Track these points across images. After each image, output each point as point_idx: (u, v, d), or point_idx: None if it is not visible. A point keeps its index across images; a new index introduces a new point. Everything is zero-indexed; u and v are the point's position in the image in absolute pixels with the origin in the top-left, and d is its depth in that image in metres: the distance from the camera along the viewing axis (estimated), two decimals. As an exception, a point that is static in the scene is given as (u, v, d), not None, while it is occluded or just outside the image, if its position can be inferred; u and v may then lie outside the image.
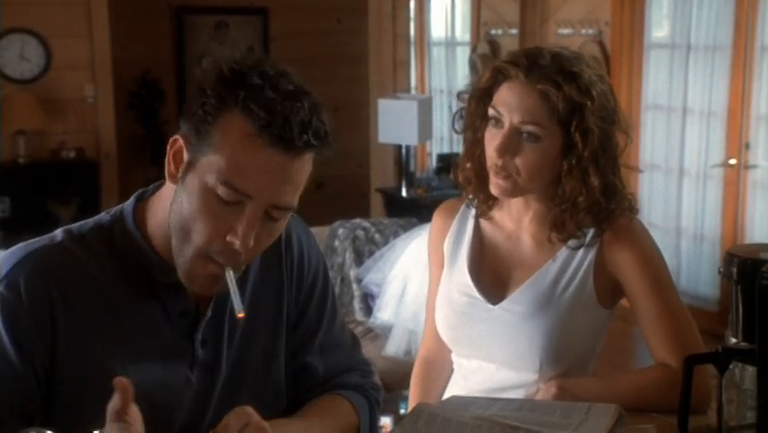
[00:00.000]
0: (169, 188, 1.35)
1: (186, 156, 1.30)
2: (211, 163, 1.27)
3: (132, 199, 1.41)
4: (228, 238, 1.27)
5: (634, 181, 5.23)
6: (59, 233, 1.38)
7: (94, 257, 1.34)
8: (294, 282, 1.50)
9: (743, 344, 1.39)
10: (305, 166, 1.30)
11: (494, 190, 1.81)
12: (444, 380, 2.00)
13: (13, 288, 1.28)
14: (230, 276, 1.28)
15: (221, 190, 1.26)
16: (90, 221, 1.40)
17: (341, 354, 1.57)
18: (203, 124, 1.27)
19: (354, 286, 4.24)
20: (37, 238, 1.37)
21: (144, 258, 1.36)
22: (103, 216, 1.41)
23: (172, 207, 1.32)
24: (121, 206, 1.42)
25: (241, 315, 1.29)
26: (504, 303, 1.85)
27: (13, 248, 1.35)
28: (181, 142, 1.31)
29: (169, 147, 1.33)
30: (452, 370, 1.99)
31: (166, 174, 1.34)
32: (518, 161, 1.76)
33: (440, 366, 2.01)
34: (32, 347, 1.27)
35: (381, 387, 1.65)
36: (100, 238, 1.36)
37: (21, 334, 1.27)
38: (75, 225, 1.40)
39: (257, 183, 1.26)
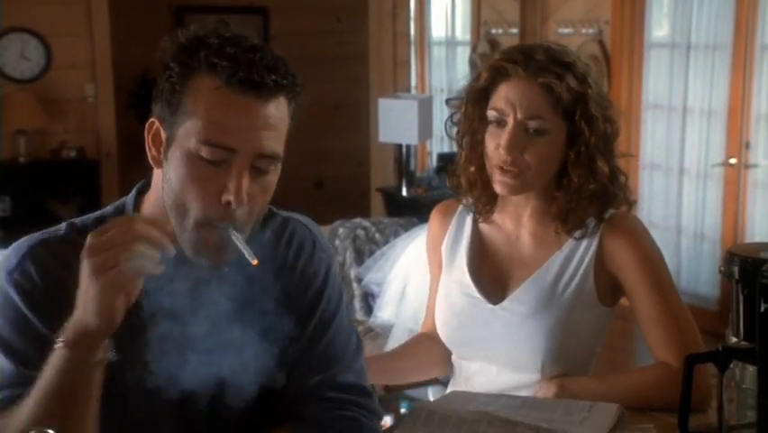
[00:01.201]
0: (157, 174, 1.37)
1: (163, 135, 1.32)
2: (188, 130, 1.28)
3: (133, 192, 1.43)
4: (222, 198, 1.28)
5: (634, 180, 5.23)
6: (63, 226, 1.41)
7: None
8: (287, 290, 1.43)
9: (743, 343, 1.39)
10: (280, 109, 1.31)
11: (499, 189, 1.81)
12: (425, 358, 1.99)
13: (26, 275, 1.34)
14: (234, 235, 1.28)
15: (204, 151, 1.27)
16: (93, 214, 1.43)
17: (312, 382, 1.44)
18: (172, 95, 1.29)
19: (355, 285, 4.24)
20: (41, 231, 1.40)
21: None
22: (106, 209, 1.44)
23: (164, 188, 1.33)
24: (124, 198, 1.44)
25: (255, 262, 1.27)
26: (504, 303, 1.85)
27: (19, 241, 1.39)
28: (157, 123, 1.33)
29: (146, 133, 1.35)
30: (452, 373, 1.99)
31: (150, 160, 1.36)
32: (527, 156, 1.77)
33: (429, 344, 1.99)
34: (57, 320, 1.28)
35: (371, 413, 1.49)
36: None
37: (44, 310, 1.31)
38: (78, 219, 1.43)
39: (236, 134, 1.27)
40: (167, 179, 1.32)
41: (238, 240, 1.28)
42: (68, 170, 6.37)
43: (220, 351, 1.37)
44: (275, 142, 1.31)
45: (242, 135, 1.28)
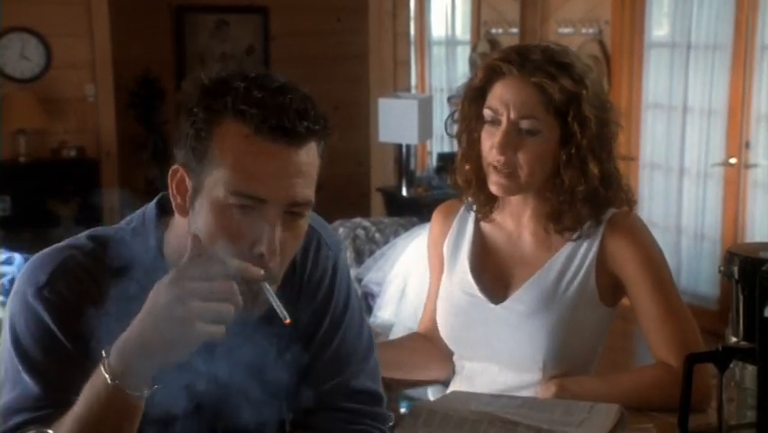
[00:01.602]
0: (181, 221, 1.32)
1: (189, 183, 1.27)
2: (216, 179, 1.23)
3: (153, 210, 1.38)
4: (254, 251, 1.23)
5: (634, 179, 5.23)
6: (83, 239, 1.36)
7: (114, 271, 1.32)
8: (295, 298, 1.42)
9: (743, 343, 1.39)
10: (311, 155, 1.27)
11: (494, 189, 1.81)
12: (419, 355, 1.99)
13: (57, 292, 1.29)
14: (266, 287, 1.22)
15: (233, 201, 1.22)
16: (115, 232, 1.37)
17: (324, 389, 1.42)
18: (198, 142, 1.24)
19: (355, 285, 4.24)
20: (63, 244, 1.35)
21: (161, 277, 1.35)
22: (125, 228, 1.38)
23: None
24: (142, 217, 1.38)
25: (287, 321, 1.22)
26: (506, 302, 1.85)
27: (42, 256, 1.34)
28: (181, 170, 1.28)
29: (170, 180, 1.30)
30: (453, 373, 1.99)
31: (174, 208, 1.31)
32: (520, 156, 1.77)
33: (424, 342, 1.99)
34: (86, 340, 1.26)
35: (382, 422, 1.47)
36: (123, 251, 1.33)
37: (75, 329, 1.26)
38: (99, 234, 1.37)
39: (267, 183, 1.22)
40: (195, 229, 1.26)
41: (271, 295, 1.22)
42: (68, 169, 6.36)
43: (232, 368, 1.33)
44: (307, 188, 1.27)
45: (274, 184, 1.23)
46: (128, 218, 1.41)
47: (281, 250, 1.25)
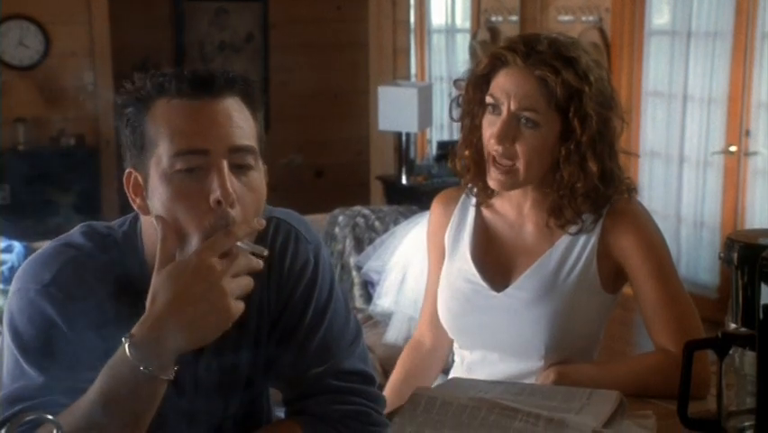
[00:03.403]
0: (147, 221, 1.36)
1: (140, 178, 1.32)
2: (158, 155, 1.29)
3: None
4: (211, 200, 1.27)
5: (634, 168, 5.22)
6: (80, 234, 1.40)
7: (111, 274, 1.36)
8: (275, 292, 1.45)
9: (743, 329, 1.39)
10: (238, 108, 1.31)
11: (493, 184, 1.81)
12: (431, 365, 2.00)
13: (63, 289, 1.32)
14: (240, 242, 1.26)
15: (179, 163, 1.27)
16: (108, 234, 1.41)
17: (316, 373, 1.45)
18: (135, 135, 1.31)
19: (354, 273, 4.24)
20: (61, 242, 1.39)
21: (147, 284, 1.36)
22: (117, 231, 1.42)
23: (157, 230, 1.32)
24: (135, 223, 1.42)
25: (265, 253, 1.29)
26: (508, 290, 1.85)
27: (45, 254, 1.37)
28: (133, 172, 1.33)
29: (126, 185, 1.35)
30: (452, 362, 1.99)
31: (137, 210, 1.37)
32: (518, 147, 1.76)
33: (429, 353, 2.00)
34: (92, 336, 1.30)
35: (377, 402, 1.50)
36: (115, 255, 1.38)
37: (80, 324, 1.30)
38: (95, 234, 1.41)
39: (203, 134, 1.28)
40: (155, 212, 1.31)
41: (243, 243, 1.26)
42: (67, 158, 6.35)
43: (219, 363, 1.39)
44: (244, 137, 1.31)
45: (209, 133, 1.28)
46: (122, 219, 1.44)
47: (240, 201, 1.29)
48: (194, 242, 1.28)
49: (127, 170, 1.35)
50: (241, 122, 1.31)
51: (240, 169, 1.30)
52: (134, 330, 1.22)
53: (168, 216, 1.28)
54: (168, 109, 1.29)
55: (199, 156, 1.27)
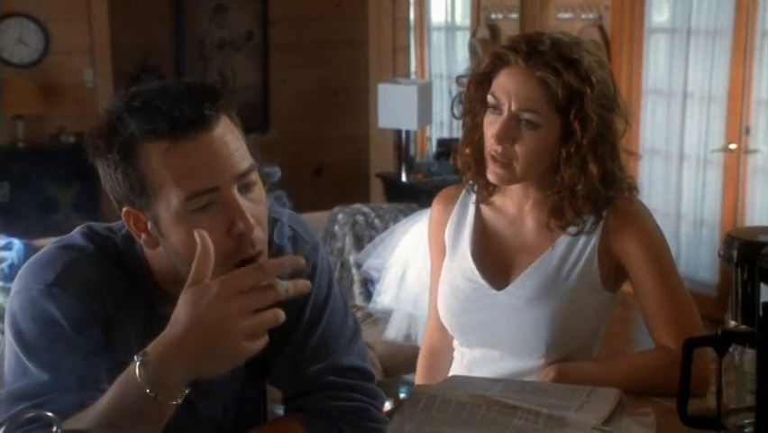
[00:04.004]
0: (152, 253, 1.36)
1: (145, 217, 1.31)
2: (166, 199, 1.27)
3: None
4: (233, 233, 1.27)
5: (634, 166, 5.22)
6: (80, 236, 1.39)
7: (112, 277, 1.37)
8: None
9: (742, 327, 1.39)
10: (228, 126, 1.30)
11: (491, 178, 1.81)
12: (449, 369, 2.00)
13: (67, 290, 1.32)
14: (279, 284, 1.21)
15: (192, 205, 1.26)
16: (107, 236, 1.41)
17: (314, 370, 1.45)
18: (129, 179, 1.29)
19: (354, 271, 4.24)
20: (63, 244, 1.38)
21: (147, 287, 1.38)
22: (116, 234, 1.42)
23: (175, 262, 1.32)
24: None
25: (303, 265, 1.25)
26: (508, 288, 1.85)
27: (47, 255, 1.37)
28: (132, 210, 1.32)
29: (126, 223, 1.34)
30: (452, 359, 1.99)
31: (144, 245, 1.35)
32: (517, 147, 1.76)
33: (445, 355, 2.00)
34: (95, 337, 1.31)
35: (376, 398, 1.50)
36: (114, 257, 1.39)
37: (83, 323, 1.30)
38: (96, 236, 1.40)
39: (209, 173, 1.26)
40: (174, 254, 1.31)
41: (280, 286, 1.21)
42: (66, 155, 6.35)
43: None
44: (244, 156, 1.31)
45: (215, 169, 1.27)
46: (120, 223, 1.42)
47: (254, 218, 1.29)
48: (218, 272, 1.26)
49: (125, 210, 1.33)
50: (235, 142, 1.30)
51: (246, 188, 1.30)
52: (149, 348, 1.19)
53: (188, 258, 1.26)
54: (165, 155, 1.26)
55: (211, 194, 1.27)
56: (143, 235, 1.34)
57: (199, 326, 1.16)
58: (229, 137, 1.29)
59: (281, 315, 1.19)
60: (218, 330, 1.16)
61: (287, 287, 1.20)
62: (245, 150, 1.32)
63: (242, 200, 1.28)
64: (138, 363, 1.18)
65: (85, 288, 1.33)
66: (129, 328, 1.36)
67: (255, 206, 1.31)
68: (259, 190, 1.33)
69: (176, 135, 1.26)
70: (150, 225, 1.32)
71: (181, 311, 1.19)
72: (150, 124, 1.26)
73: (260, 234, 1.30)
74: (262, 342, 1.19)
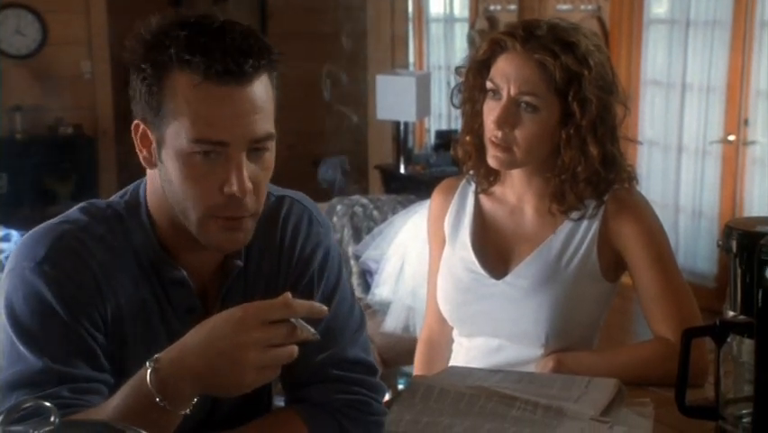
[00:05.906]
0: (152, 174, 1.35)
1: (151, 136, 1.30)
2: (176, 129, 1.26)
3: (141, 187, 1.41)
4: (225, 190, 1.26)
5: (632, 156, 5.22)
6: (77, 213, 1.37)
7: (109, 246, 1.34)
8: (285, 273, 1.45)
9: (741, 317, 1.39)
10: (263, 89, 1.29)
11: (491, 162, 1.81)
12: (448, 359, 2.00)
13: (57, 266, 1.29)
14: (299, 322, 1.20)
15: (197, 147, 1.25)
16: (107, 206, 1.39)
17: (319, 360, 1.43)
18: (151, 96, 1.27)
19: (352, 262, 4.23)
20: (57, 220, 1.36)
21: (153, 252, 1.36)
22: (118, 201, 1.40)
23: (164, 189, 1.32)
24: (137, 190, 1.41)
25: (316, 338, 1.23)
26: (508, 277, 1.85)
27: (39, 231, 1.34)
28: (142, 125, 1.31)
29: (133, 135, 1.33)
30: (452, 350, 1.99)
31: (142, 161, 1.35)
32: (517, 132, 1.76)
33: (443, 346, 2.00)
34: (87, 315, 1.29)
35: (377, 392, 1.47)
36: (116, 226, 1.36)
37: (75, 303, 1.28)
38: (93, 208, 1.38)
39: (225, 126, 1.25)
40: (166, 180, 1.31)
41: (297, 322, 1.20)
42: (64, 147, 6.35)
43: None
44: (266, 122, 1.29)
45: (232, 126, 1.25)
46: (123, 191, 1.42)
47: (254, 184, 1.28)
48: (195, 219, 1.29)
49: (136, 122, 1.32)
50: (264, 104, 1.28)
51: (257, 152, 1.29)
52: (162, 355, 1.18)
53: (176, 191, 1.28)
54: (191, 90, 1.24)
55: (219, 146, 1.26)
56: (144, 152, 1.33)
57: (215, 346, 1.16)
58: (260, 100, 1.28)
59: (295, 352, 1.19)
60: (232, 355, 1.15)
61: (313, 331, 1.20)
62: (271, 117, 1.30)
63: (246, 164, 1.27)
64: (150, 369, 1.17)
65: (77, 262, 1.30)
66: (127, 298, 1.34)
67: (259, 171, 1.30)
68: (269, 158, 1.32)
69: (209, 77, 1.23)
70: (153, 145, 1.31)
71: (203, 326, 1.18)
72: (191, 55, 1.23)
73: (251, 200, 1.29)
74: (272, 375, 1.20)
